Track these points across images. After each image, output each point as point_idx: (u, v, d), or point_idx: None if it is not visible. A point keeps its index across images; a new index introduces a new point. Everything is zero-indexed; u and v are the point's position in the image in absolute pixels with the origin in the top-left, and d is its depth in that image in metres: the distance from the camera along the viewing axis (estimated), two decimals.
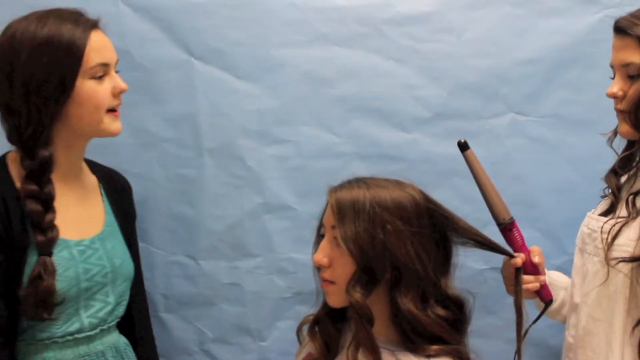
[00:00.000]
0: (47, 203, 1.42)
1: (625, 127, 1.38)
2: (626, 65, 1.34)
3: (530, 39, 1.84)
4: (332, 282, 1.39)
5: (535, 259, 1.49)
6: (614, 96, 1.38)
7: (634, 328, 1.32)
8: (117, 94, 1.48)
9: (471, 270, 1.74)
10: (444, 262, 1.42)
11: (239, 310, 1.89)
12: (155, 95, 1.86)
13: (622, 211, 1.37)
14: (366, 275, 1.33)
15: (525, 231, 1.66)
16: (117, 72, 1.51)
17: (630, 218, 1.33)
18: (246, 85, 1.86)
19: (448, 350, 1.36)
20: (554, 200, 1.83)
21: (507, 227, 1.51)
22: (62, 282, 1.41)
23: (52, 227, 1.42)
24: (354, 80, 1.85)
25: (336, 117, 1.86)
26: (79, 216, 1.52)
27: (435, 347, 1.35)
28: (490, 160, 1.83)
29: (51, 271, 1.39)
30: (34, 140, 1.42)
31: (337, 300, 1.40)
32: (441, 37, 1.85)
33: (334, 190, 1.40)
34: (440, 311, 1.37)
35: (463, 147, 1.49)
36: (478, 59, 1.85)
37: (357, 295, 1.33)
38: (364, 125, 1.85)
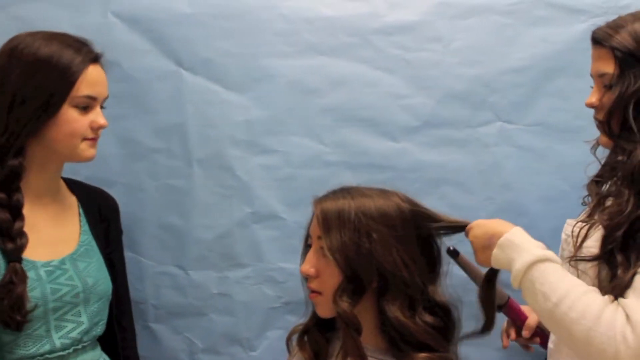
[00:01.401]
0: (16, 211, 1.43)
1: (603, 138, 1.40)
2: (602, 76, 1.36)
3: (518, 47, 1.85)
4: (319, 293, 1.39)
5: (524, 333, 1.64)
6: (591, 106, 1.41)
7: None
8: (95, 128, 1.50)
9: (460, 278, 1.74)
10: (431, 269, 1.43)
11: (228, 320, 1.88)
12: (145, 106, 1.87)
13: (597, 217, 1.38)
14: (353, 284, 1.34)
15: None
16: (103, 108, 1.53)
17: (596, 220, 1.33)
18: (235, 95, 1.86)
19: (436, 358, 1.36)
20: (542, 208, 1.84)
21: (506, 307, 1.61)
22: (29, 306, 1.41)
23: (21, 234, 1.43)
24: (342, 90, 1.86)
25: (325, 126, 1.86)
26: (50, 237, 1.52)
27: (423, 354, 1.35)
28: (478, 169, 1.84)
29: (22, 277, 1.40)
30: (6, 149, 1.43)
31: (325, 310, 1.40)
32: (429, 46, 1.85)
33: (319, 201, 1.41)
34: (428, 318, 1.38)
35: (453, 254, 1.52)
36: (466, 67, 1.85)
37: (344, 304, 1.33)
38: (352, 135, 1.86)
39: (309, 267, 1.40)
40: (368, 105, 1.86)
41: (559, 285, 1.22)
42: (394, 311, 1.34)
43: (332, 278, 1.36)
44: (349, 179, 1.71)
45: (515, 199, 1.84)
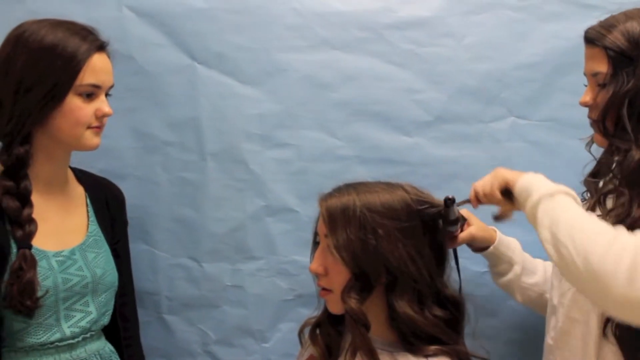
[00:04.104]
0: (24, 198, 1.45)
1: (597, 136, 1.42)
2: (595, 75, 1.38)
3: (531, 43, 1.85)
4: (329, 291, 1.40)
5: None
6: (586, 105, 1.42)
7: (605, 325, 1.33)
8: (99, 116, 1.50)
9: (471, 272, 1.75)
10: (439, 262, 1.43)
11: (241, 312, 1.90)
12: (159, 100, 1.88)
13: (597, 213, 1.39)
14: (360, 281, 1.34)
15: (525, 234, 1.66)
16: (109, 95, 1.53)
17: (600, 217, 1.34)
18: (248, 89, 1.87)
19: (446, 350, 1.37)
20: None
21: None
22: (40, 292, 1.43)
23: (30, 220, 1.44)
24: (355, 84, 1.86)
25: (338, 120, 1.87)
26: (60, 227, 1.53)
27: (433, 347, 1.36)
28: (490, 164, 1.83)
29: (31, 263, 1.41)
30: (12, 138, 1.44)
31: (337, 307, 1.41)
32: (442, 41, 1.86)
33: (323, 199, 1.41)
34: (437, 311, 1.39)
35: (450, 202, 1.46)
36: (478, 63, 1.85)
37: (352, 302, 1.34)
38: (365, 129, 1.87)
39: (317, 266, 1.41)
40: (380, 99, 1.86)
41: (582, 211, 1.23)
42: (403, 306, 1.35)
43: (340, 275, 1.37)
44: (361, 173, 1.71)
45: None
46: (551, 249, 1.21)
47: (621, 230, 1.17)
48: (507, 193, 1.40)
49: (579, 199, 1.28)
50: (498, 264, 1.66)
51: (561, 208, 1.23)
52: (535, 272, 1.64)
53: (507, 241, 1.65)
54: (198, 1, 1.86)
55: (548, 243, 1.21)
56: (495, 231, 1.64)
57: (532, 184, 1.31)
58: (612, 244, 1.12)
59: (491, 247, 1.63)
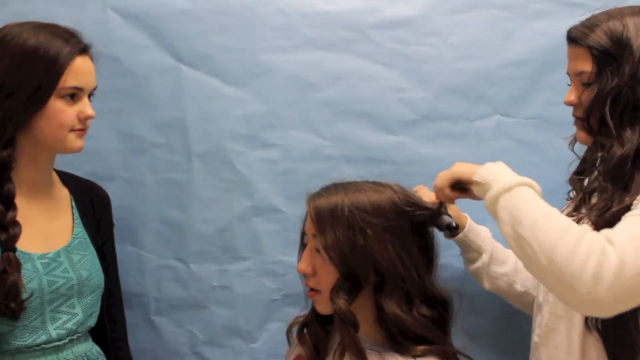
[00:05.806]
0: (8, 201, 1.44)
1: (581, 134, 1.43)
2: (580, 74, 1.39)
3: (516, 41, 1.86)
4: (318, 291, 1.40)
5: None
6: (571, 104, 1.44)
7: (586, 318, 1.34)
8: (82, 119, 1.49)
9: (458, 271, 1.76)
10: (428, 260, 1.43)
11: (229, 312, 1.90)
12: (145, 101, 1.87)
13: (582, 212, 1.40)
14: (349, 281, 1.35)
15: None
16: (91, 95, 1.53)
17: (583, 215, 1.35)
18: (234, 90, 1.87)
19: (434, 350, 1.37)
20: None
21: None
22: (24, 294, 1.43)
23: (14, 223, 1.44)
24: (341, 84, 1.86)
25: (324, 120, 1.87)
26: (45, 230, 1.53)
27: (421, 347, 1.37)
28: (476, 162, 1.83)
29: (15, 265, 1.41)
30: None
31: (325, 307, 1.41)
32: (427, 40, 1.86)
33: (312, 198, 1.41)
34: (426, 311, 1.39)
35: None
36: (464, 61, 1.86)
37: (341, 302, 1.34)
38: (351, 128, 1.87)
39: (305, 266, 1.41)
40: (366, 99, 1.86)
41: (544, 204, 1.23)
42: (391, 306, 1.35)
43: (328, 275, 1.37)
44: (348, 173, 1.72)
45: None
46: (514, 245, 1.22)
47: (586, 228, 1.18)
48: (463, 189, 1.41)
49: (539, 189, 1.28)
50: (467, 251, 1.68)
51: (521, 203, 1.23)
52: (505, 262, 1.66)
53: (477, 229, 1.67)
54: (183, 2, 1.86)
55: (511, 239, 1.22)
56: (467, 218, 1.67)
57: (489, 176, 1.32)
58: (578, 244, 1.13)
59: (460, 234, 1.64)
